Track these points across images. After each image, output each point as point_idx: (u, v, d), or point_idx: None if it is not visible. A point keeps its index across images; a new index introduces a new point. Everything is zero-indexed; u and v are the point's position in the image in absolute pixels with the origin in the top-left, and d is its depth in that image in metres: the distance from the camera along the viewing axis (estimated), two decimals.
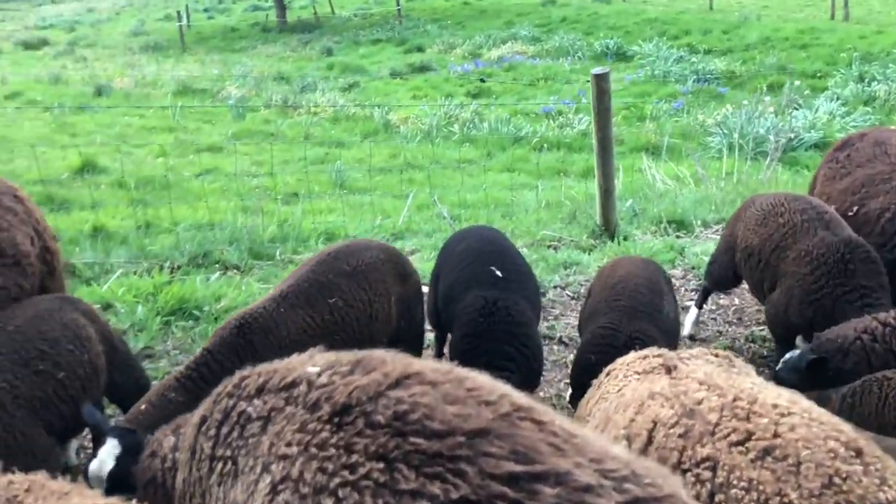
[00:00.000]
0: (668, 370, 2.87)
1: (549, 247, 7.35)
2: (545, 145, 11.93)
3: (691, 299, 5.93)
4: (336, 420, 1.84)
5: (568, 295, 6.29)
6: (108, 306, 5.79)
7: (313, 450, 1.81)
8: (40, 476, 2.39)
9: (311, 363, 2.13)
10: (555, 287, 6.34)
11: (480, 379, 1.95)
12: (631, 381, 2.98)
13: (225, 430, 2.11)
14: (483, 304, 4.21)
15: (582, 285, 6.26)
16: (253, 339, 3.66)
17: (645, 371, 2.98)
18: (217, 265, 6.77)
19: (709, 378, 2.62)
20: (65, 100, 14.61)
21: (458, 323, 4.26)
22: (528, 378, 4.28)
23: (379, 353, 2.13)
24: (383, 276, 4.15)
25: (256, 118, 12.57)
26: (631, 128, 13.01)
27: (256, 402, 2.08)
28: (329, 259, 4.09)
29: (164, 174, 9.41)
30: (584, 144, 11.94)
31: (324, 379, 1.98)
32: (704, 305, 5.70)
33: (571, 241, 7.43)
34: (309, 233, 7.43)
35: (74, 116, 12.99)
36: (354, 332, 3.93)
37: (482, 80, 16.79)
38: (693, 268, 6.64)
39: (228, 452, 2.07)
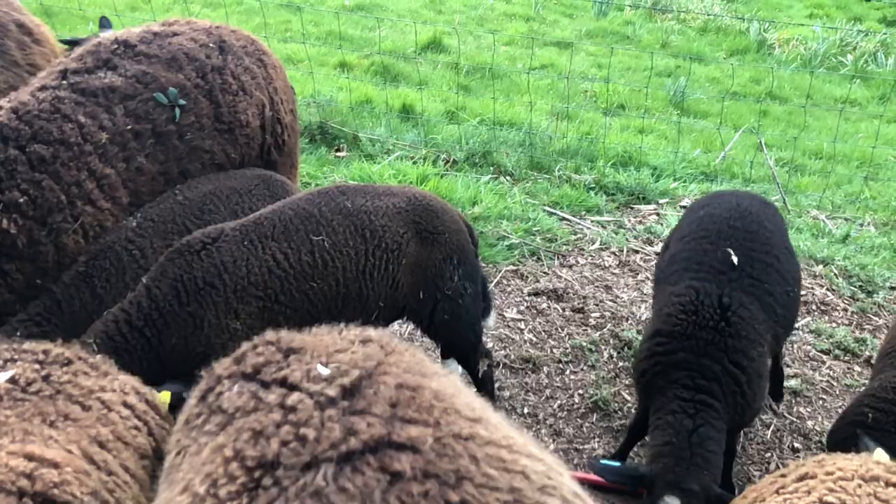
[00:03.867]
0: None
1: None
2: None
3: None
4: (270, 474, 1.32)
5: None
6: None
7: (222, 498, 1.33)
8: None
9: (327, 354, 1.62)
10: None
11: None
12: None
13: (198, 410, 1.68)
14: (694, 297, 3.21)
15: None
16: (196, 274, 3.04)
17: None
18: (493, 167, 6.43)
19: None
20: None
21: (656, 313, 3.34)
22: (735, 413, 3.23)
23: (395, 369, 1.56)
24: (393, 226, 3.31)
25: (617, 18, 11.58)
26: None
27: (237, 388, 1.61)
28: (333, 191, 3.39)
29: (498, 63, 9.23)
30: None
31: (320, 395, 1.47)
32: None
33: None
34: (600, 152, 6.64)
35: None
36: (339, 286, 3.23)
37: None
38: None
39: (187, 442, 1.64)
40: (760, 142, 7.15)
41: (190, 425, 1.64)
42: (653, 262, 5.33)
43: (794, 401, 4.38)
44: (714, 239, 3.48)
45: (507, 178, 6.33)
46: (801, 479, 2.11)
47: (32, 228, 3.16)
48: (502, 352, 4.68)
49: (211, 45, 3.82)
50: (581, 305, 5.02)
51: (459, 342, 3.72)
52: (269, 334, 1.76)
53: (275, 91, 4.04)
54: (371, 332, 1.78)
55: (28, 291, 3.22)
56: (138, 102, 3.49)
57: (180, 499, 1.40)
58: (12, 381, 2.07)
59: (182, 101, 3.56)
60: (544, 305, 5.04)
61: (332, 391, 1.46)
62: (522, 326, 4.90)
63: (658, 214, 6.00)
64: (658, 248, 5.54)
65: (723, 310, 3.20)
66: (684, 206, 6.05)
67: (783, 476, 2.28)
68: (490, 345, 4.68)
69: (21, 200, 3.13)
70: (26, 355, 2.22)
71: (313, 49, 9.10)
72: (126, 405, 2.17)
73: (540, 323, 4.91)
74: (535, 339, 4.79)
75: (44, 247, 3.19)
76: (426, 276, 3.44)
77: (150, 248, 3.31)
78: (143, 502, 2.04)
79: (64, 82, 3.41)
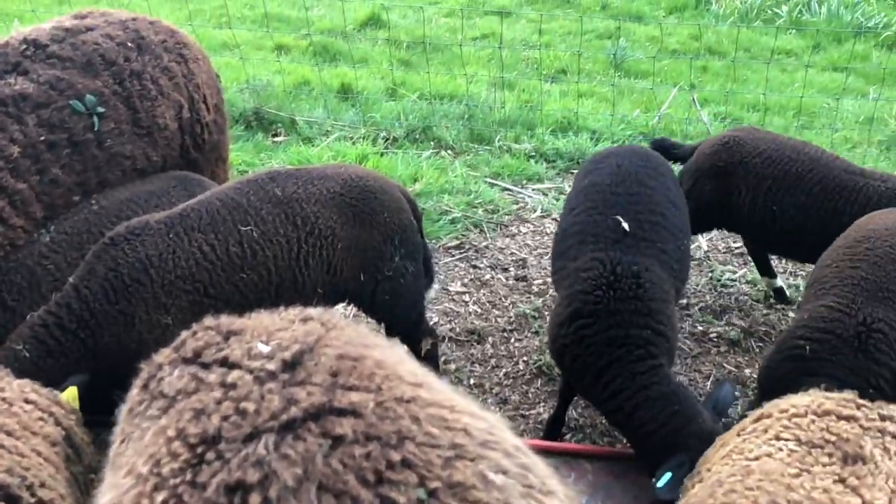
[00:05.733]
0: (846, 459, 1.88)
1: None
2: None
3: None
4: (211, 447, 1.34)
5: None
6: None
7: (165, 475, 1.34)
8: None
9: (268, 333, 1.63)
10: None
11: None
12: (777, 450, 2.01)
13: (139, 398, 1.68)
14: (602, 269, 3.28)
15: None
16: (122, 270, 2.98)
17: (810, 443, 1.99)
18: (433, 142, 6.43)
19: None
20: None
21: (566, 293, 3.40)
22: (670, 359, 3.38)
23: (336, 344, 1.58)
24: (327, 211, 3.27)
25: None
26: None
27: (177, 372, 1.61)
28: (263, 178, 3.34)
29: (439, 36, 9.18)
30: None
31: (260, 370, 1.48)
32: None
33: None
34: (539, 120, 6.67)
35: None
36: (271, 276, 3.19)
37: None
38: None
39: (130, 429, 1.63)
40: (693, 98, 7.25)
41: (133, 413, 1.65)
42: None
43: (731, 350, 4.51)
44: (602, 208, 3.54)
45: (448, 152, 6.35)
46: (758, 419, 2.19)
47: None
48: (447, 325, 4.73)
49: (129, 43, 3.71)
50: (524, 274, 5.09)
51: (402, 321, 3.74)
52: (208, 320, 1.77)
53: (196, 88, 3.95)
54: (311, 310, 1.79)
55: None
56: (53, 111, 3.39)
57: (124, 481, 1.41)
58: None
59: (100, 109, 3.49)
60: (488, 276, 5.10)
61: (272, 366, 1.48)
62: (467, 299, 4.95)
63: None
64: None
65: (635, 277, 3.27)
66: None
67: (743, 419, 2.38)
68: (435, 319, 4.73)
69: None
70: None
71: (249, 34, 8.95)
72: (27, 401, 2.21)
73: (484, 294, 4.97)
74: (479, 310, 4.85)
75: None
76: (366, 258, 3.41)
77: (65, 262, 3.25)
78: (61, 480, 2.07)
79: None
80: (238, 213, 3.16)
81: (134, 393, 1.71)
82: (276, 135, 6.49)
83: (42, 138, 3.33)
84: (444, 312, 4.82)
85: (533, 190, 5.92)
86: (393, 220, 3.45)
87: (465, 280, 5.05)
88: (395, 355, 1.67)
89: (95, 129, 3.47)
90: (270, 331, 1.64)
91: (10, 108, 3.29)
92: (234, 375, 1.48)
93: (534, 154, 6.30)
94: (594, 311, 3.31)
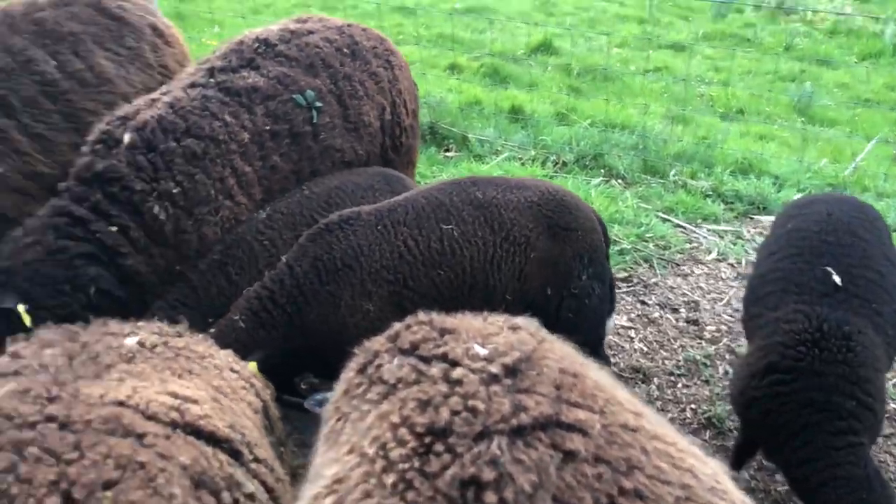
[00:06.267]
0: None
1: None
2: None
3: None
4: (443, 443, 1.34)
5: None
6: None
7: (393, 460, 1.36)
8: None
9: (482, 336, 1.62)
10: None
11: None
12: None
13: (357, 381, 1.71)
14: (808, 324, 2.99)
15: None
16: (335, 255, 3.10)
17: None
18: (603, 170, 6.27)
19: None
20: None
21: (763, 343, 3.12)
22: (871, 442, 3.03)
23: (554, 355, 1.56)
24: (523, 219, 3.26)
25: (737, 20, 11.10)
26: None
27: (396, 361, 1.64)
28: (466, 182, 3.37)
29: (611, 65, 9.02)
30: None
31: (482, 371, 1.48)
32: None
33: None
34: (720, 158, 6.35)
35: None
36: (465, 276, 3.21)
37: None
38: None
39: (348, 409, 1.67)
40: None
41: (350, 394, 1.68)
42: None
43: None
44: (808, 256, 3.24)
45: (619, 181, 6.16)
46: None
47: (180, 218, 3.35)
48: (611, 360, 4.53)
49: (344, 49, 3.95)
50: (696, 317, 4.80)
51: (581, 342, 3.62)
52: (421, 315, 1.78)
53: (398, 93, 4.13)
54: (518, 319, 1.79)
55: (167, 277, 3.38)
56: (278, 103, 3.63)
57: (348, 458, 1.45)
58: (140, 343, 2.19)
59: (318, 104, 3.67)
60: (656, 314, 4.85)
61: (494, 369, 1.47)
62: (633, 335, 4.73)
63: None
64: None
65: (845, 338, 2.97)
66: None
67: None
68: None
69: (175, 191, 3.31)
70: (144, 328, 2.33)
71: (425, 51, 9.18)
72: (232, 370, 2.28)
73: (651, 332, 4.73)
74: (645, 348, 4.62)
75: (188, 235, 3.37)
76: (555, 271, 3.38)
77: (280, 239, 3.44)
78: (265, 445, 2.12)
79: (211, 80, 3.58)
80: (441, 212, 3.24)
81: (350, 375, 1.73)
82: (448, 150, 6.56)
83: (267, 128, 3.57)
84: (608, 345, 4.62)
85: (708, 230, 5.61)
86: (585, 238, 3.40)
87: (632, 315, 4.83)
88: (608, 378, 1.61)
89: (313, 121, 3.65)
90: (484, 333, 1.63)
91: (242, 98, 3.56)
92: (458, 372, 1.47)
93: (710, 193, 5.99)
94: (794, 368, 3.03)
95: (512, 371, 1.46)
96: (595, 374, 1.57)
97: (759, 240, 5.51)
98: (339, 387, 1.76)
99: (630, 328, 4.78)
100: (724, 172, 6.15)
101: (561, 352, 1.62)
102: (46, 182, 3.96)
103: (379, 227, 3.18)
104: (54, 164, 3.92)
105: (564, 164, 6.29)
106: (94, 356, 2.06)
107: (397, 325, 1.76)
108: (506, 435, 1.31)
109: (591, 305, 3.46)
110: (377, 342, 1.74)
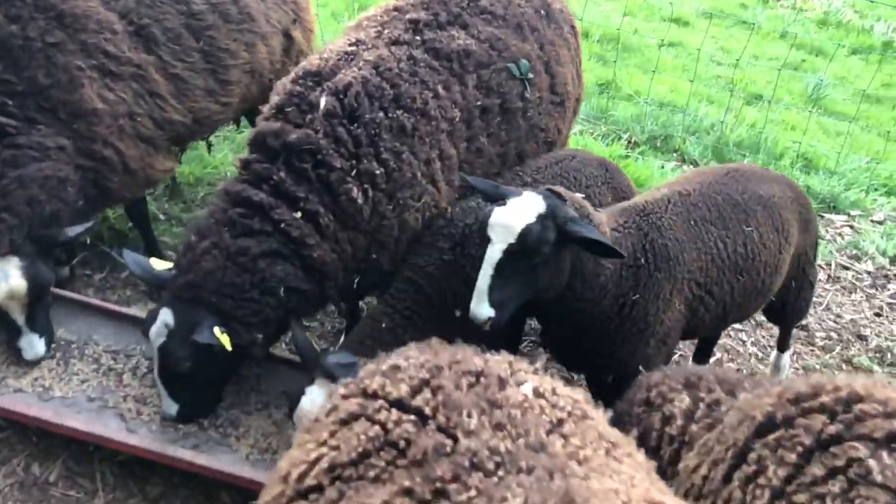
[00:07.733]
0: None
1: None
2: None
3: None
4: None
5: None
6: None
7: None
8: None
9: None
10: None
11: None
12: None
13: None
14: None
15: None
16: (667, 243, 2.84)
17: None
18: (675, 154, 6.05)
19: None
20: None
21: None
22: None
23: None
24: (791, 217, 3.20)
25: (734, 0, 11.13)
26: None
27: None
28: (737, 176, 3.16)
29: (629, 32, 8.75)
30: None
31: None
32: None
33: None
34: (783, 150, 6.27)
35: None
36: (755, 283, 3.07)
37: None
38: None
39: None
40: None
41: None
42: (867, 282, 5.07)
43: None
44: None
45: (691, 165, 5.96)
46: None
47: (380, 201, 2.79)
48: (731, 364, 4.38)
49: (541, 10, 3.41)
50: (804, 322, 4.71)
51: (795, 325, 3.89)
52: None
53: (580, 63, 3.65)
54: None
55: (355, 265, 2.85)
56: (492, 72, 3.07)
57: None
58: (535, 392, 1.70)
59: (531, 75, 3.14)
60: (761, 317, 4.73)
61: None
62: (744, 338, 4.60)
63: (852, 227, 5.68)
64: (867, 265, 5.27)
65: None
66: (876, 221, 5.75)
67: None
68: (717, 355, 4.39)
69: (377, 171, 2.75)
70: (516, 364, 1.82)
71: None
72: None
73: (763, 336, 4.61)
74: (759, 353, 4.50)
75: (388, 221, 2.82)
76: (799, 263, 3.40)
77: None
78: None
79: (417, 38, 2.96)
80: (738, 212, 3.03)
81: None
82: None
83: (478, 102, 3.00)
84: (724, 348, 4.47)
85: None
86: (816, 227, 3.48)
87: None
88: None
89: (525, 96, 3.12)
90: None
91: (454, 64, 2.96)
92: None
93: None
94: None
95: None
96: None
97: (840, 241, 5.50)
98: None
99: (741, 330, 4.64)
100: (792, 167, 6.07)
101: None
102: (175, 131, 3.26)
103: (690, 223, 2.91)
104: (186, 111, 3.22)
105: (636, 144, 6.01)
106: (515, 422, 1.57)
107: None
108: None
109: (812, 291, 3.61)
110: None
